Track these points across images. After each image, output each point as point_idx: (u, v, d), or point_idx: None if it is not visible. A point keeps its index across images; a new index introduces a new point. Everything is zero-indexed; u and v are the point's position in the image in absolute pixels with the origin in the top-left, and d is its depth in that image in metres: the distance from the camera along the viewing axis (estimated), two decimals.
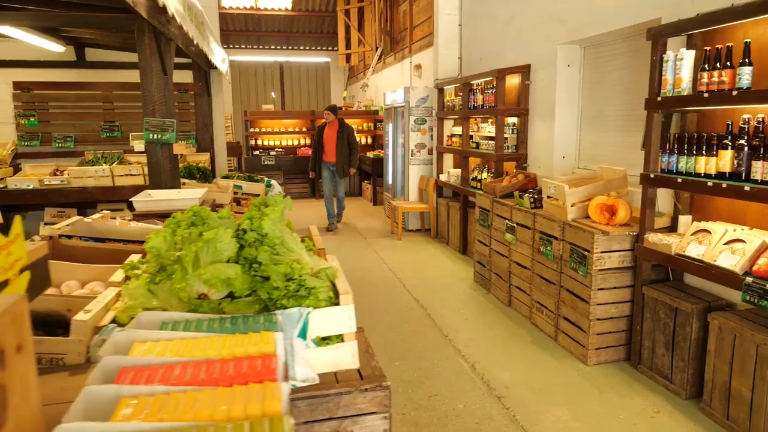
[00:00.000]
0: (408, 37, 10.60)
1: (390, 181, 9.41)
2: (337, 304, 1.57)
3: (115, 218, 2.99)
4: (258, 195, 4.86)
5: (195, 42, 4.23)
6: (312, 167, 8.52)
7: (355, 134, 8.53)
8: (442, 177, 7.47)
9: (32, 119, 6.69)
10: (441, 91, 7.52)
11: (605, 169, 4.33)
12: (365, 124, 12.48)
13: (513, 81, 5.89)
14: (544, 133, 5.46)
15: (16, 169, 6.60)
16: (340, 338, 1.55)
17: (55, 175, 6.27)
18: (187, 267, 1.50)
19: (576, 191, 4.03)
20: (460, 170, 7.12)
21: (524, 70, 5.66)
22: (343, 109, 13.52)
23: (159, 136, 3.92)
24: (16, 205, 6.15)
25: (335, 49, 16.36)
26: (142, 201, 3.63)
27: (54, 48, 5.90)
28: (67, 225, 2.54)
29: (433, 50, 8.62)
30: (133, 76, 6.95)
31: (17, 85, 6.70)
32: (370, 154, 11.19)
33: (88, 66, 6.75)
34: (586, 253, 3.73)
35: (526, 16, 5.67)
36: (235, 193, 6.05)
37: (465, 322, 4.60)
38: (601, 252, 3.66)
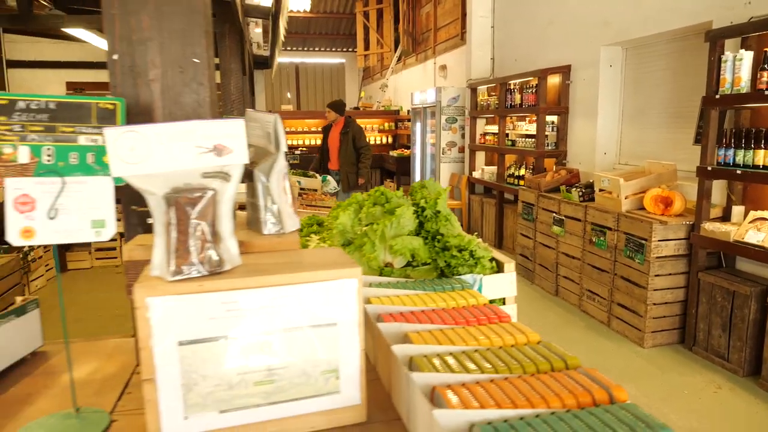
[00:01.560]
0: (432, 38, 10.83)
1: (418, 179, 9.65)
2: (496, 271, 1.81)
3: None
4: (315, 190, 5.08)
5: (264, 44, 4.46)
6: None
7: (365, 135, 6.93)
8: (475, 174, 7.71)
9: None
10: (474, 91, 7.76)
11: (653, 164, 4.57)
12: (386, 124, 12.71)
13: (552, 81, 6.14)
14: (585, 130, 5.71)
15: None
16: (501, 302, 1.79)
17: None
18: (375, 240, 1.75)
19: (630, 184, 4.28)
20: (493, 167, 7.37)
21: (565, 71, 5.91)
22: (361, 109, 13.75)
23: None
24: None
25: (351, 50, 16.59)
26: None
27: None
28: None
29: (462, 51, 8.88)
30: None
31: (70, 85, 6.93)
32: (394, 153, 11.43)
33: None
34: (643, 242, 3.98)
35: (567, 19, 5.92)
36: None
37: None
38: (659, 240, 3.91)
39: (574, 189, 4.96)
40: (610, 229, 4.38)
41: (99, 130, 1.05)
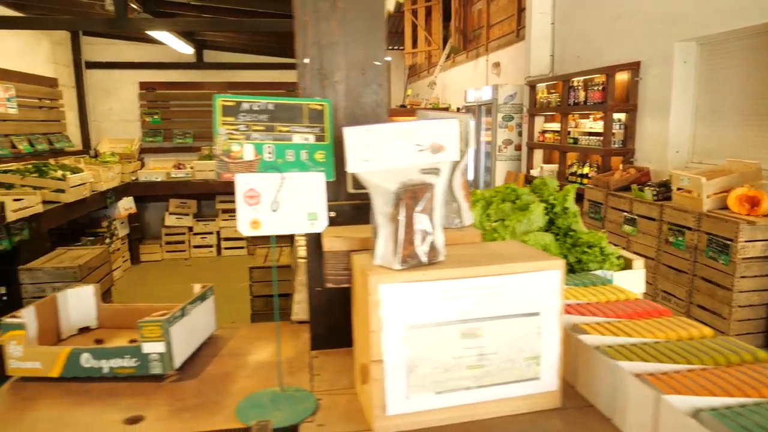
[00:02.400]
0: (484, 35, 10.78)
1: (470, 176, 9.65)
2: (623, 268, 1.83)
3: None
4: None
5: None
6: None
7: None
8: (534, 172, 7.65)
9: (156, 117, 7.21)
10: (533, 88, 7.70)
11: (734, 162, 4.46)
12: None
13: (619, 77, 6.04)
14: (655, 128, 5.61)
15: (141, 163, 7.11)
16: None
17: (179, 168, 6.74)
18: (505, 236, 1.79)
19: (712, 183, 4.19)
20: (552, 165, 7.30)
21: (634, 67, 5.80)
22: (408, 107, 13.79)
23: None
24: (145, 195, 6.64)
25: (396, 48, 16.64)
26: None
27: (186, 50, 6.36)
28: None
29: (517, 48, 8.82)
30: (244, 75, 7.39)
31: (143, 85, 7.22)
32: None
33: (205, 67, 7.22)
34: (728, 242, 3.90)
35: (637, 14, 5.82)
36: None
37: None
38: (746, 241, 3.82)
39: (647, 188, 4.89)
40: (689, 228, 4.30)
41: (310, 129, 1.13)
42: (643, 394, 0.96)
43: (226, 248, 7.19)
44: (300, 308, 1.62)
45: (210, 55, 7.18)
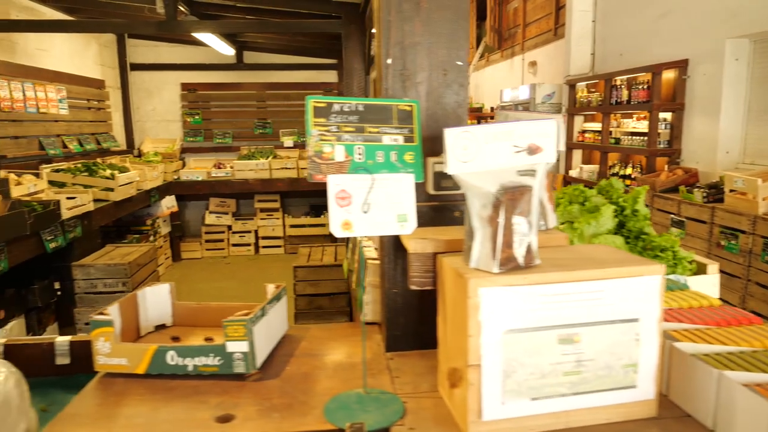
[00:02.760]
0: (520, 34, 10.65)
1: None
2: (694, 272, 1.78)
3: None
4: None
5: None
6: None
7: None
8: (573, 172, 7.52)
9: (197, 117, 7.35)
10: (572, 87, 7.56)
11: None
12: (468, 121, 12.63)
13: (665, 76, 5.88)
14: (703, 128, 5.44)
15: (182, 163, 7.24)
16: None
17: (218, 168, 6.85)
18: (574, 238, 1.76)
19: None
20: (593, 166, 7.16)
21: (681, 65, 5.64)
22: None
23: None
24: (186, 194, 6.76)
25: None
26: None
27: (227, 52, 6.46)
28: None
29: (555, 46, 8.68)
30: (283, 76, 7.47)
31: (184, 86, 7.36)
32: None
33: (244, 68, 7.32)
34: None
35: (684, 11, 5.66)
36: None
37: None
38: None
39: (696, 189, 4.75)
40: (743, 232, 4.16)
41: (399, 130, 1.13)
42: (754, 405, 0.92)
43: (263, 247, 7.28)
44: (369, 309, 1.61)
45: (249, 56, 7.28)
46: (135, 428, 1.07)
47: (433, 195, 1.31)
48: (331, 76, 7.51)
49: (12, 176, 4.01)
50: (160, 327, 1.55)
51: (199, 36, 5.15)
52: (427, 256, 1.17)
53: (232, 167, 6.68)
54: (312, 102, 1.09)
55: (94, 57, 6.35)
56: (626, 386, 1.05)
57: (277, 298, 1.45)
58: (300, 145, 7.48)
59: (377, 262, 1.63)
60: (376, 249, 1.84)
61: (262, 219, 7.20)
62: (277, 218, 7.18)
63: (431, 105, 1.29)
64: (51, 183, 4.51)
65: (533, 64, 10.04)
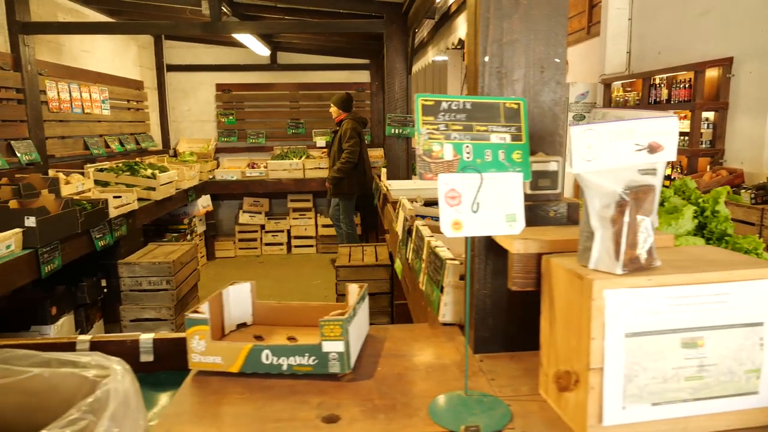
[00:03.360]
0: None
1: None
2: None
3: None
4: None
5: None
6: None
7: (353, 135, 5.70)
8: None
9: (231, 117, 7.42)
10: (608, 87, 7.45)
11: None
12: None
13: (708, 74, 5.75)
14: (749, 127, 5.31)
15: (217, 163, 7.32)
16: None
17: (252, 168, 6.90)
18: None
19: None
20: None
21: (726, 63, 5.51)
22: None
23: (400, 131, 4.26)
24: (220, 194, 6.82)
25: (455, 47, 16.44)
26: (399, 189, 3.99)
27: (263, 52, 6.51)
28: None
29: (588, 45, 8.57)
30: (315, 76, 7.50)
31: (219, 86, 7.44)
32: None
33: (278, 68, 7.37)
34: None
35: (728, 7, 5.53)
36: None
37: None
38: None
39: (744, 190, 4.63)
40: None
41: (506, 129, 1.11)
42: None
43: (295, 246, 7.32)
44: (448, 310, 1.60)
45: (283, 57, 7.32)
46: (243, 427, 1.07)
47: (528, 195, 1.29)
48: (363, 76, 7.52)
49: (61, 176, 4.09)
50: (242, 325, 1.55)
51: (238, 37, 5.19)
52: (529, 257, 1.15)
53: (266, 167, 6.73)
54: (420, 100, 1.08)
55: (133, 58, 6.45)
56: (748, 392, 1.01)
57: (362, 298, 1.44)
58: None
59: (456, 262, 1.62)
60: (448, 249, 1.82)
61: (294, 218, 7.23)
62: (310, 218, 7.21)
63: (527, 103, 1.27)
64: (95, 182, 4.59)
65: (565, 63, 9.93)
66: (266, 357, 1.27)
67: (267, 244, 7.26)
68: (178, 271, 4.35)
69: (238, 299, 1.53)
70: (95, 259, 4.12)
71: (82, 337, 1.56)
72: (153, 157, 6.17)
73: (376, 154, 7.42)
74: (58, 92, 4.65)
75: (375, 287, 4.13)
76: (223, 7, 4.39)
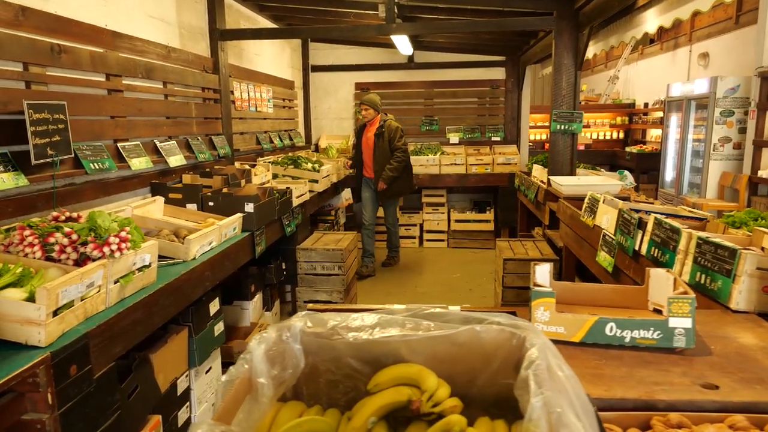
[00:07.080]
0: (688, 24, 9.95)
1: (669, 177, 9.00)
2: None
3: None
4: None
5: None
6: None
7: (403, 135, 5.85)
8: (762, 173, 6.92)
9: None
10: (765, 80, 6.95)
11: None
12: (618, 118, 12.08)
13: None
14: None
15: None
16: None
17: None
18: None
19: None
20: None
21: None
22: (583, 102, 13.21)
23: (566, 127, 4.27)
24: (356, 187, 7.07)
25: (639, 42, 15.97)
26: (570, 185, 4.02)
27: (407, 51, 6.76)
28: None
29: (734, 36, 8.07)
30: (449, 74, 7.65)
31: (358, 85, 7.82)
32: (633, 149, 10.84)
33: (414, 67, 7.61)
34: None
35: None
36: None
37: None
38: None
39: None
40: None
41: None
42: None
43: (427, 240, 7.51)
44: (742, 298, 1.65)
45: (419, 56, 7.54)
46: (629, 388, 1.20)
47: None
48: (498, 73, 7.56)
49: (253, 168, 4.52)
50: None
51: (393, 37, 5.43)
52: None
53: None
54: None
55: (287, 60, 6.95)
56: None
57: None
58: (465, 142, 7.61)
59: (753, 251, 1.66)
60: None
61: (427, 213, 7.43)
62: (443, 213, 7.37)
63: None
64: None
65: (704, 55, 9.35)
66: (610, 329, 1.39)
67: (400, 237, 7.50)
68: (347, 257, 4.66)
69: (542, 278, 1.67)
70: (275, 244, 4.51)
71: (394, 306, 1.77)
72: (302, 152, 6.60)
73: (508, 151, 7.44)
74: (241, 92, 5.13)
75: (528, 281, 4.18)
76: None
